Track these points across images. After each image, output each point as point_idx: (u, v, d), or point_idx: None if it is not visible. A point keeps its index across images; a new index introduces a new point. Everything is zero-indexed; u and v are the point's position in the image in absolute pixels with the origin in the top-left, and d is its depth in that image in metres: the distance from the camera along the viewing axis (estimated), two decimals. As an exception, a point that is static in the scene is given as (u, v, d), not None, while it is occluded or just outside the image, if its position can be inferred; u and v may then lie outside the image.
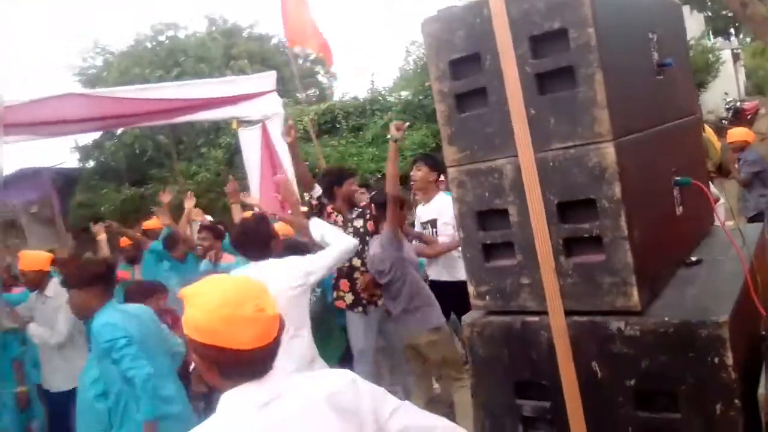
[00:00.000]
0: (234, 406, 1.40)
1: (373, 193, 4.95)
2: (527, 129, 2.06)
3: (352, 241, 3.75)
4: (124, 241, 6.47)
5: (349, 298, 4.31)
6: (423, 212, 5.03)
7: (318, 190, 4.63)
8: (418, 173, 4.58)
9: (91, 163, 14.60)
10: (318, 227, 3.83)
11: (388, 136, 4.20)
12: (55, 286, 4.71)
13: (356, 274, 4.34)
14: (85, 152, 14.72)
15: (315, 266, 3.59)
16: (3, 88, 10.82)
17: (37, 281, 4.80)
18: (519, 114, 2.06)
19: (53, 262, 5.04)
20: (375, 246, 4.17)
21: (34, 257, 4.94)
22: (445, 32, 2.21)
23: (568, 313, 2.08)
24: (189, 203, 7.02)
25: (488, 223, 2.24)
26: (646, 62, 2.37)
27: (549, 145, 2.05)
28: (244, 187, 7.72)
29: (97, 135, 14.35)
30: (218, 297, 1.37)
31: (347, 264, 4.22)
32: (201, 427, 1.42)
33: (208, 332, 1.35)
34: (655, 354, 1.93)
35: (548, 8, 1.99)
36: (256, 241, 3.61)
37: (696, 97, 2.79)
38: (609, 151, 1.95)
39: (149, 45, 15.52)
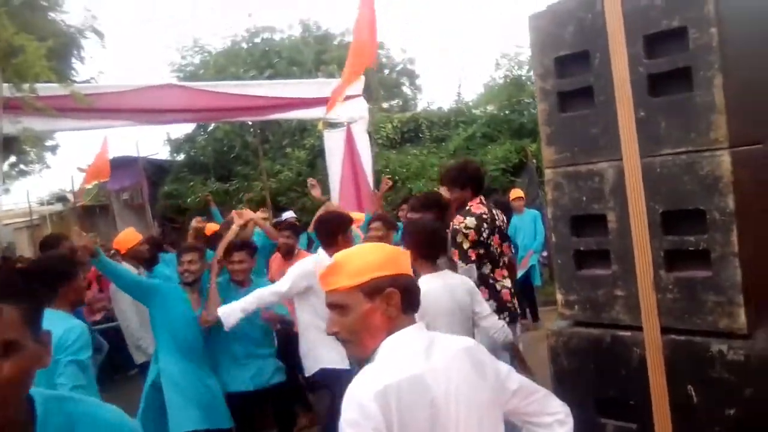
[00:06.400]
0: (402, 348, 1.52)
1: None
2: (635, 131, 1.95)
3: None
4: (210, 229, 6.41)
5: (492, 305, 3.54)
6: None
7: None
8: None
9: (181, 156, 15.22)
10: None
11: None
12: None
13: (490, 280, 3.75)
14: (176, 145, 15.36)
15: None
16: (103, 77, 11.49)
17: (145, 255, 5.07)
18: (627, 115, 1.96)
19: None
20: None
21: (133, 234, 5.20)
22: (553, 27, 2.13)
23: (664, 330, 1.95)
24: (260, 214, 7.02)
25: (583, 229, 2.13)
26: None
27: (658, 150, 1.93)
28: (325, 187, 7.82)
29: (189, 129, 14.98)
30: (376, 245, 1.70)
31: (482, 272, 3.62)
32: (376, 367, 1.49)
33: (392, 263, 1.57)
34: (762, 382, 1.78)
35: (667, 5, 1.89)
36: (327, 231, 3.77)
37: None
38: (724, 159, 1.82)
39: (245, 46, 16.09)
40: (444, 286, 3.04)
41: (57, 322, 2.70)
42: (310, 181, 5.73)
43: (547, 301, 7.23)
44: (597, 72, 2.03)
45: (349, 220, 3.98)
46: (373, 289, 1.52)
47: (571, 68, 2.12)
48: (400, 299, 1.53)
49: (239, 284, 4.04)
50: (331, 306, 1.56)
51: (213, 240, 5.07)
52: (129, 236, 5.14)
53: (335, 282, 1.54)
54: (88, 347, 2.72)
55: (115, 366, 6.39)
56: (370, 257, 1.56)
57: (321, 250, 3.77)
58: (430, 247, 3.16)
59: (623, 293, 2.04)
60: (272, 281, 4.65)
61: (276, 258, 5.33)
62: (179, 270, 3.98)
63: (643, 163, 1.95)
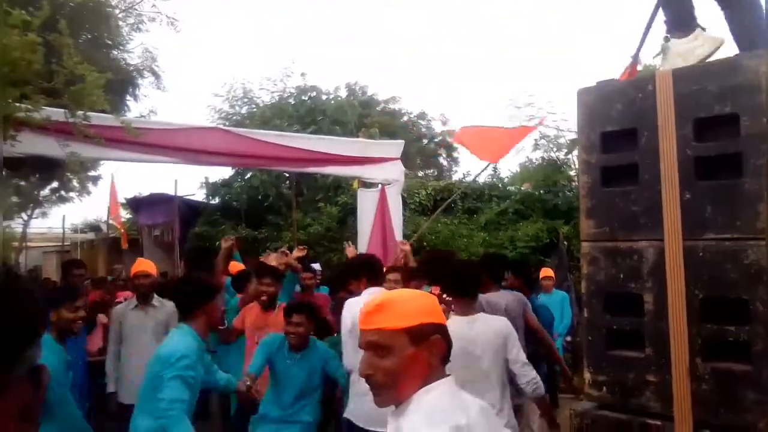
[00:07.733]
0: (442, 399, 1.45)
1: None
2: (679, 213, 1.91)
3: None
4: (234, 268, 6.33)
5: None
6: None
7: None
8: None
9: (216, 200, 15.48)
10: None
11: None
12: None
13: None
14: (213, 188, 15.66)
15: None
16: (153, 116, 11.93)
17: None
18: (673, 196, 1.92)
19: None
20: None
21: (144, 264, 5.01)
22: (601, 103, 2.14)
23: (697, 423, 1.85)
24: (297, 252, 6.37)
25: (618, 308, 2.07)
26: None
27: (701, 234, 1.88)
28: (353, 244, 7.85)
29: (227, 174, 15.31)
30: (420, 292, 1.65)
31: None
32: (426, 414, 1.41)
33: (437, 311, 1.54)
34: (800, 493, 1.66)
35: (721, 91, 1.88)
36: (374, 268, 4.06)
37: None
38: (771, 251, 1.76)
39: (292, 102, 16.58)
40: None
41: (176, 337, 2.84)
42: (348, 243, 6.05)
43: (566, 388, 6.96)
44: (644, 150, 2.02)
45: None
46: (419, 334, 1.46)
47: (617, 144, 2.11)
48: (434, 350, 1.47)
49: None
50: (370, 346, 1.48)
51: (238, 279, 5.24)
52: (139, 264, 4.96)
53: (381, 321, 1.47)
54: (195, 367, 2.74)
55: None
56: (419, 302, 1.53)
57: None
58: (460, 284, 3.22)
59: (655, 379, 1.95)
60: (238, 330, 4.50)
61: (253, 307, 4.59)
62: None
63: (686, 245, 1.90)
